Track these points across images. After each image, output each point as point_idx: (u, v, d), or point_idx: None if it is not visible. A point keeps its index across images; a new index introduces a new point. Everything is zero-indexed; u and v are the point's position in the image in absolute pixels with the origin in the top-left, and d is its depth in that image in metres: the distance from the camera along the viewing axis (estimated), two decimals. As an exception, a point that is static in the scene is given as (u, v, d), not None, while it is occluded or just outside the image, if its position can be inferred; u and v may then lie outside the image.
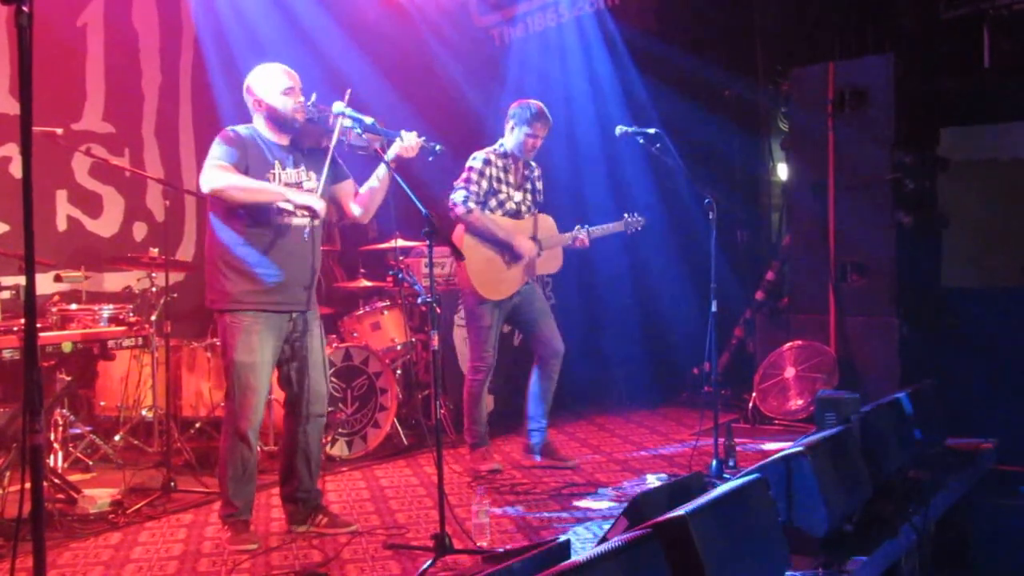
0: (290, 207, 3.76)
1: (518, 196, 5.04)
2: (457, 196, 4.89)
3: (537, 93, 5.43)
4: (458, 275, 5.10)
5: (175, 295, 5.09)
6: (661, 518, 2.55)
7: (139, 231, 6.23)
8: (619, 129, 4.91)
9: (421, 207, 3.62)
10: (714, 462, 4.66)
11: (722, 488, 2.92)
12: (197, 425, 5.48)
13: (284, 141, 3.90)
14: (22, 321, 3.33)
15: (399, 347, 5.84)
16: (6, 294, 4.50)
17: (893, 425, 4.18)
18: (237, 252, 3.78)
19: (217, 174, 3.67)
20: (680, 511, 2.56)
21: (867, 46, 6.38)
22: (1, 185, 5.41)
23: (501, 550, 3.60)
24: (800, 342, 6.03)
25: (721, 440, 4.73)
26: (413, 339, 5.90)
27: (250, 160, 3.76)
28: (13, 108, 5.43)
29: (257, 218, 3.77)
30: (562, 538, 2.79)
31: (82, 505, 4.18)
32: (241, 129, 3.84)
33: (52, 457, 4.73)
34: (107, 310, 4.49)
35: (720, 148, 7.16)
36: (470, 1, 7.83)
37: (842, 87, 6.04)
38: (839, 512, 3.34)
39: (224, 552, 3.77)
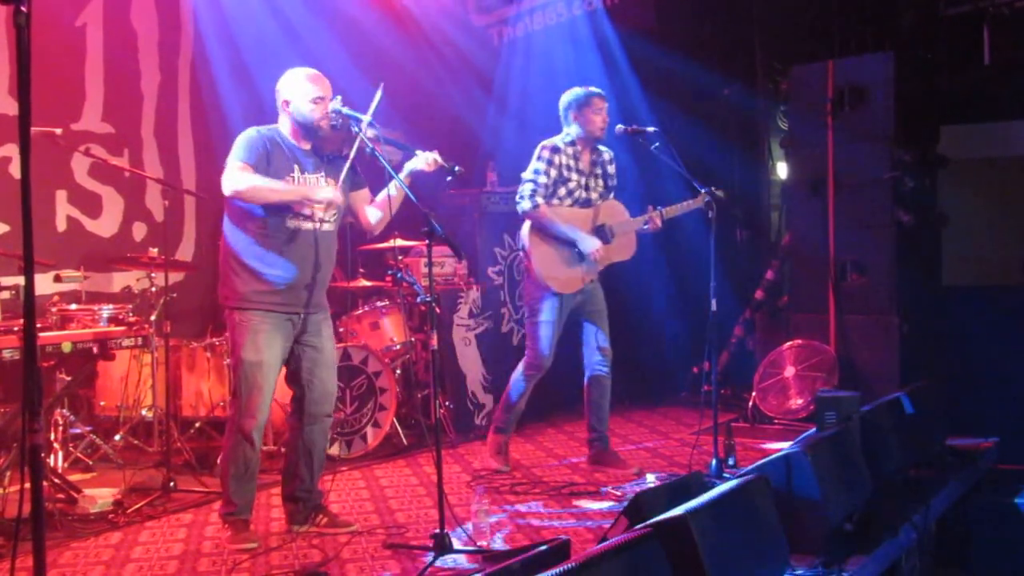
0: (306, 211, 3.80)
1: (589, 183, 4.89)
2: (524, 190, 4.77)
3: (537, 92, 5.42)
4: (525, 267, 4.97)
5: (175, 295, 5.09)
6: (661, 517, 2.55)
7: (139, 231, 6.22)
8: (619, 128, 4.90)
9: (420, 207, 3.63)
10: (714, 461, 4.66)
11: (722, 487, 2.93)
12: (197, 425, 5.47)
13: (306, 146, 3.93)
14: (22, 321, 3.32)
15: (398, 347, 5.84)
16: (6, 294, 4.49)
17: (893, 424, 4.18)
18: (249, 253, 3.81)
19: (238, 176, 3.70)
20: (680, 510, 2.56)
21: (867, 44, 6.37)
22: (1, 185, 5.40)
23: (501, 550, 3.61)
24: (800, 341, 6.02)
25: (721, 439, 4.73)
26: (412, 339, 5.90)
27: (271, 161, 3.79)
28: (12, 108, 5.42)
29: (271, 221, 3.80)
30: (562, 538, 2.79)
31: (82, 505, 4.19)
32: (263, 130, 3.86)
33: (52, 457, 4.73)
34: (107, 310, 4.50)
35: (719, 147, 7.15)
36: (469, 1, 7.82)
37: (841, 85, 6.02)
38: (839, 511, 3.34)
39: (224, 552, 3.77)
